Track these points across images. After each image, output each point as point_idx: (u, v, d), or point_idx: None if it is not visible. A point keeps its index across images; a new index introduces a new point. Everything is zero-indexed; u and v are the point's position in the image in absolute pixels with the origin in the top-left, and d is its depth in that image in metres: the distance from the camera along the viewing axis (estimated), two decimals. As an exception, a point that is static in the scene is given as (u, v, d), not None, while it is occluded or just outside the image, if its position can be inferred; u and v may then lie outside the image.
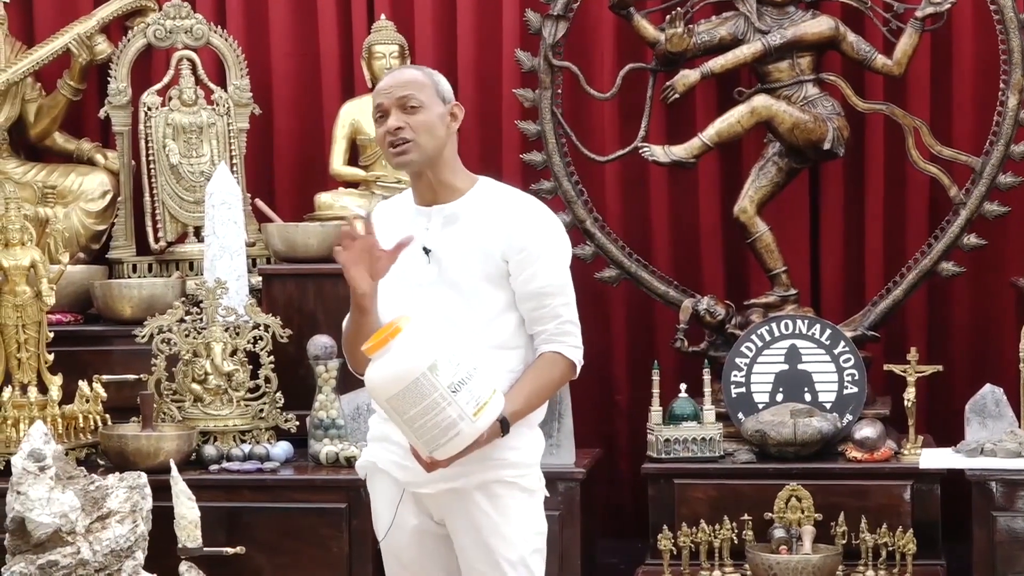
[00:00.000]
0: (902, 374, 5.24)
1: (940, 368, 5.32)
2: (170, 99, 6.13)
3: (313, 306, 5.59)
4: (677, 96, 5.63)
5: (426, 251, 3.32)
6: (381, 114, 3.36)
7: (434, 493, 3.33)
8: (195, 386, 5.31)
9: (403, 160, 3.33)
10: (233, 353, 5.33)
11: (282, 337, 5.35)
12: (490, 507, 3.31)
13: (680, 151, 5.61)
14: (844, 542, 4.85)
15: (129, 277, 6.09)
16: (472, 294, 3.29)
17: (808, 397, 5.29)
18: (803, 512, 4.90)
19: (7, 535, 4.61)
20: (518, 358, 3.33)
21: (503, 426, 3.23)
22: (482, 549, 3.32)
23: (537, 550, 3.37)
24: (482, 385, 3.15)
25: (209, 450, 5.21)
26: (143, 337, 5.32)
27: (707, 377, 5.28)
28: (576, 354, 3.36)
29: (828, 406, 5.26)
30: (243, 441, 5.31)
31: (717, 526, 4.91)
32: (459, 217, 3.33)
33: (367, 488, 3.48)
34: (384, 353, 3.12)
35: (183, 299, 5.53)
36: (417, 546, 3.40)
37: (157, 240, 6.13)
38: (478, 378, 3.15)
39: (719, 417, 5.22)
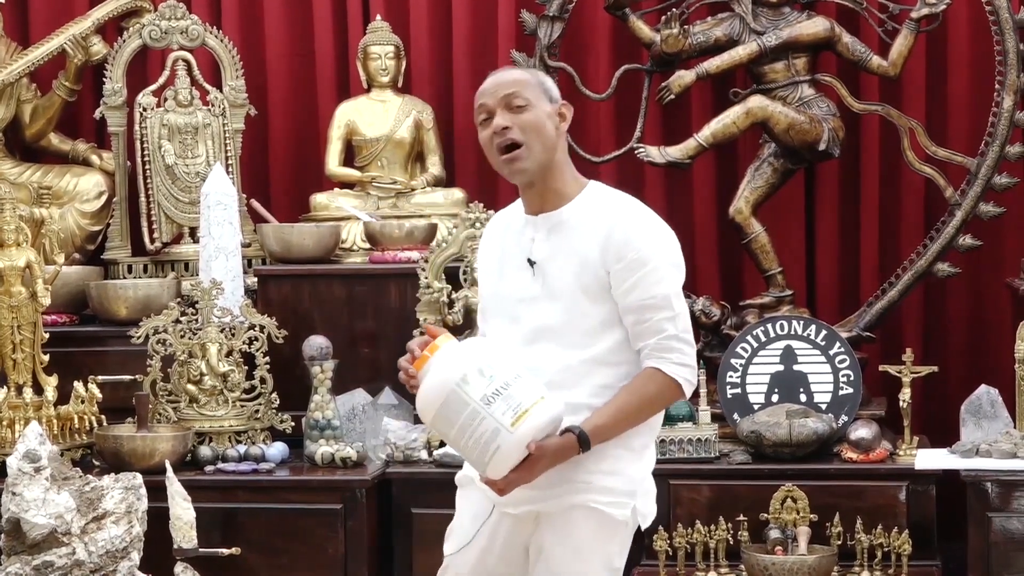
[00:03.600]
0: (897, 375, 5.24)
1: (935, 369, 5.32)
2: (165, 100, 6.13)
3: (308, 307, 5.58)
4: (673, 97, 5.64)
5: (531, 263, 3.15)
6: (486, 116, 3.17)
7: (518, 514, 3.16)
8: (190, 387, 5.31)
9: (517, 169, 3.12)
10: (228, 354, 5.33)
11: (277, 338, 5.34)
12: (567, 535, 3.11)
13: (676, 152, 5.61)
14: (839, 543, 4.84)
15: (124, 278, 6.08)
16: (570, 306, 3.10)
17: (803, 398, 5.28)
18: (798, 513, 4.90)
19: (2, 536, 4.60)
20: (616, 375, 3.12)
21: (581, 441, 3.03)
22: None
23: None
24: (523, 393, 3.00)
25: (204, 451, 5.21)
26: (138, 338, 5.32)
27: (702, 378, 5.27)
28: (680, 371, 3.11)
29: (823, 407, 5.25)
30: (238, 442, 5.30)
31: (713, 527, 4.90)
32: (561, 226, 3.13)
33: (456, 497, 3.32)
34: (423, 376, 3.06)
35: (178, 300, 5.53)
36: (481, 570, 3.24)
37: (152, 241, 6.13)
38: (518, 386, 3.00)
39: (715, 418, 5.22)
